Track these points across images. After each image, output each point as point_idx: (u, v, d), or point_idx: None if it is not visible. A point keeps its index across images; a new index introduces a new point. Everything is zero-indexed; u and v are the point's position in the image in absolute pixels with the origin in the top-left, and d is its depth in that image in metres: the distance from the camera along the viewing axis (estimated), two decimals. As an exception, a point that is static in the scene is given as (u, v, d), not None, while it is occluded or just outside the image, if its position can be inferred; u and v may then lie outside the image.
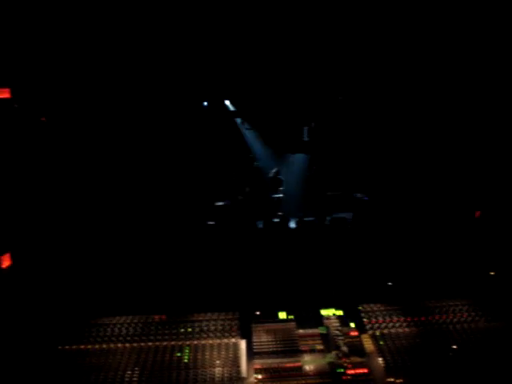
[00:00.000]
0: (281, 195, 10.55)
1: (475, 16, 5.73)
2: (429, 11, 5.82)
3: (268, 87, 8.52)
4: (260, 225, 8.12)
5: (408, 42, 6.73)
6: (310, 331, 3.62)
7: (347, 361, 3.37)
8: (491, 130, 6.15)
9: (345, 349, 3.44)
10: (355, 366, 3.33)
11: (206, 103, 9.61)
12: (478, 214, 5.40)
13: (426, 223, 5.81)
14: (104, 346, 3.52)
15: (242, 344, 3.52)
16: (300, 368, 3.32)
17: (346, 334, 3.58)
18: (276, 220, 8.54)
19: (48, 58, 6.09)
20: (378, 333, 3.60)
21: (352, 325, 3.67)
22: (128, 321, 3.75)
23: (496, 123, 6.12)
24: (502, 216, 5.17)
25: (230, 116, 10.33)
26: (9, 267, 4.77)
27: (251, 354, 3.44)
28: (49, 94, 6.42)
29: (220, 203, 9.46)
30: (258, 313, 3.78)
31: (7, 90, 5.39)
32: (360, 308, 3.83)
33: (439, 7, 5.74)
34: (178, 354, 3.43)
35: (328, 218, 8.55)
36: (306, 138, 10.74)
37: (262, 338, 3.56)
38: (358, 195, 9.75)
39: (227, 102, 9.91)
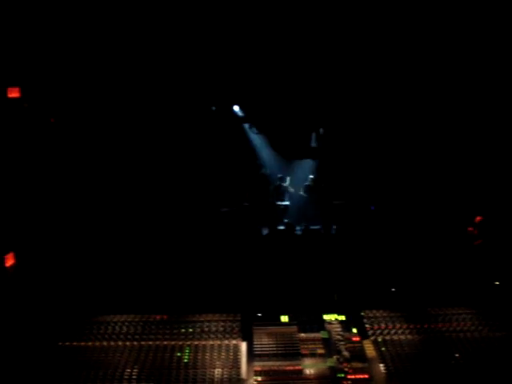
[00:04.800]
0: (287, 203, 10.53)
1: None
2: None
3: (277, 92, 8.56)
4: (265, 231, 8.11)
5: (418, 53, 6.75)
6: (311, 335, 3.60)
7: (348, 366, 3.34)
8: (492, 141, 6.15)
9: (346, 354, 3.42)
10: (356, 371, 3.30)
11: (214, 108, 9.65)
12: (478, 219, 5.36)
13: (431, 230, 5.78)
14: (104, 343, 3.51)
15: (243, 346, 3.50)
16: (300, 371, 3.29)
17: (348, 339, 3.55)
18: (281, 227, 8.54)
19: (59, 59, 6.14)
20: (380, 339, 3.57)
21: (354, 330, 3.64)
22: (129, 319, 3.74)
23: (496, 135, 6.12)
24: (508, 226, 5.14)
25: (238, 121, 10.35)
26: (12, 266, 4.79)
27: (252, 356, 3.42)
28: (59, 94, 6.47)
29: (225, 209, 9.48)
30: (259, 315, 3.77)
31: (17, 89, 5.42)
32: (363, 314, 3.80)
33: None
34: (178, 354, 3.42)
35: (333, 227, 8.55)
36: (313, 145, 10.74)
37: (263, 341, 3.54)
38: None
39: (236, 108, 9.91)
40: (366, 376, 3.27)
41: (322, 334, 3.60)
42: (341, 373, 3.29)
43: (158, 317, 3.77)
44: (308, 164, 11.22)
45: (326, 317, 3.77)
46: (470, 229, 5.59)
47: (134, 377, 3.21)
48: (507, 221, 5.27)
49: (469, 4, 5.50)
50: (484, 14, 5.48)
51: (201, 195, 9.16)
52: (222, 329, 3.64)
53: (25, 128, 5.64)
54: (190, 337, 3.57)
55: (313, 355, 3.43)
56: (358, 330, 3.64)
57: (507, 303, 3.90)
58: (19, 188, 5.39)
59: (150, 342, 3.52)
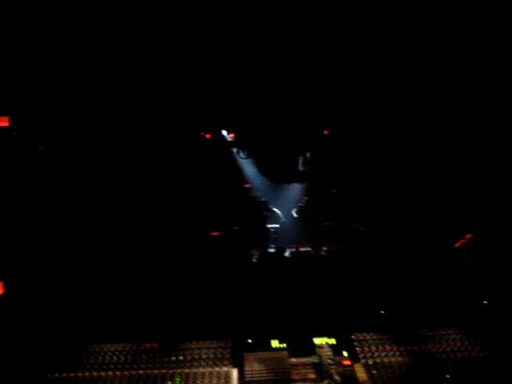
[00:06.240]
0: (277, 226, 10.58)
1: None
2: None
3: (265, 117, 8.66)
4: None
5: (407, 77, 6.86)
6: (302, 360, 3.59)
7: (339, 390, 3.33)
8: (482, 160, 6.24)
9: (337, 378, 3.41)
10: (348, 395, 3.30)
11: (202, 133, 9.72)
12: (468, 237, 5.41)
13: (419, 252, 5.82)
14: (94, 373, 3.48)
15: (234, 373, 3.48)
16: (292, 397, 3.28)
17: (339, 363, 3.55)
18: (271, 250, 8.55)
19: (48, 88, 6.19)
20: (370, 362, 3.57)
21: (345, 354, 3.64)
22: (119, 348, 3.71)
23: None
24: (495, 246, 5.19)
25: (226, 146, 10.43)
26: (1, 295, 4.75)
27: (243, 382, 3.40)
28: (47, 123, 6.50)
29: (216, 233, 9.49)
30: (250, 341, 3.75)
31: (6, 118, 5.45)
32: (353, 337, 3.80)
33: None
34: (169, 383, 3.39)
35: (324, 249, 8.58)
36: (301, 168, 10.84)
37: (254, 367, 3.53)
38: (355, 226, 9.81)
39: (224, 132, 9.99)
40: (358, 400, 3.27)
41: (312, 359, 3.59)
42: (332, 397, 3.28)
43: (148, 345, 3.75)
44: (296, 187, 11.34)
45: (316, 340, 3.77)
46: (458, 245, 5.64)
47: (124, 407, 3.18)
48: (495, 239, 5.33)
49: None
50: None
51: (189, 219, 9.17)
52: (212, 356, 3.62)
53: (14, 156, 5.65)
54: (181, 365, 3.55)
55: (304, 380, 3.42)
56: (348, 354, 3.64)
57: (496, 322, 3.92)
58: (7, 216, 5.38)
59: (141, 371, 3.49)
